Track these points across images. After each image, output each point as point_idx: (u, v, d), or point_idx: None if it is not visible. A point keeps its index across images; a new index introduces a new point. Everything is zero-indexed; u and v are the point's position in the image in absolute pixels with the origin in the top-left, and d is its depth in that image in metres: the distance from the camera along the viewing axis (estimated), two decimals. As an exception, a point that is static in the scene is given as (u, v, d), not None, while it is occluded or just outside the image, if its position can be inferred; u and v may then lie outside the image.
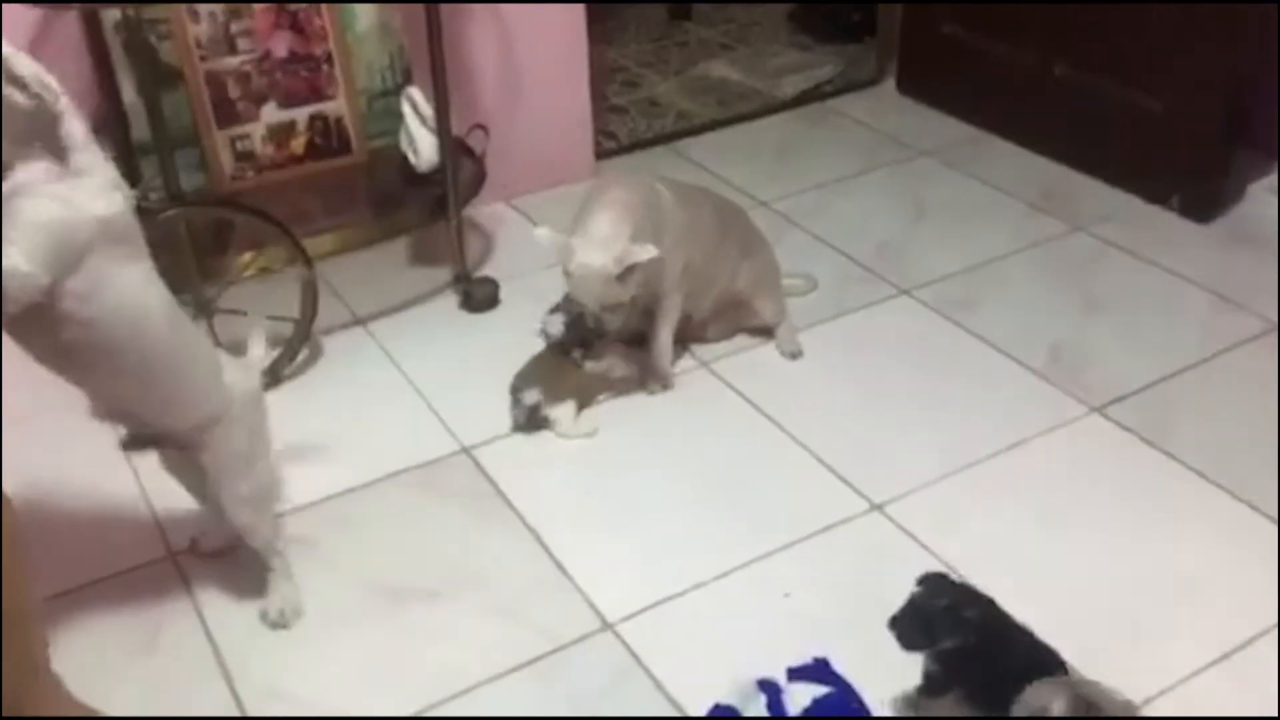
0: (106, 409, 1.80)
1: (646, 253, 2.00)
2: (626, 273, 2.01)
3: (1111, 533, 1.94)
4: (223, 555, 1.90)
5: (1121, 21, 2.82)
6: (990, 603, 1.55)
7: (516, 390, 2.15)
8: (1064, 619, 1.68)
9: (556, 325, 2.17)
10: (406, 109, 2.39)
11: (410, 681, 1.70)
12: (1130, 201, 2.88)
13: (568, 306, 2.15)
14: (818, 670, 1.68)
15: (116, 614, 1.81)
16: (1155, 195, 2.84)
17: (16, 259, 1.40)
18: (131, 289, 1.53)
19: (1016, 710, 1.41)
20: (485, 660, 1.73)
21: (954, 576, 1.62)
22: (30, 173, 1.42)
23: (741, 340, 2.43)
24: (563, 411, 2.14)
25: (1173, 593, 1.83)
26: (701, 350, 2.40)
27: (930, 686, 1.57)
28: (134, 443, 1.73)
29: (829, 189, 3.00)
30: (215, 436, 1.68)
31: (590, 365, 2.20)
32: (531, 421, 2.15)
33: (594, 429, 2.17)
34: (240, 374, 1.74)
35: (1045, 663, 1.52)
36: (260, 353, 1.85)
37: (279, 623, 1.80)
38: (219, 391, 1.68)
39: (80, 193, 1.45)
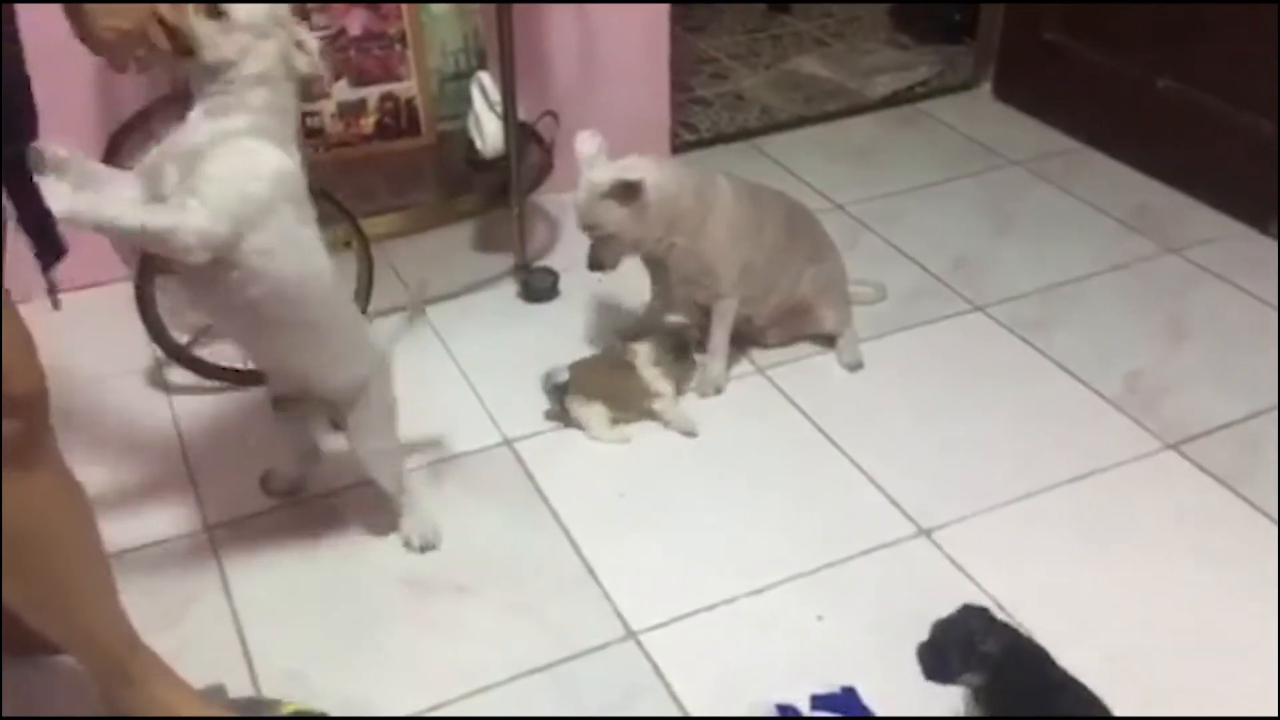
0: (268, 368, 1.84)
1: (632, 172, 2.00)
2: (616, 198, 2.00)
3: (1176, 578, 1.83)
4: (289, 496, 1.97)
5: (1232, 36, 2.67)
6: (1019, 640, 1.47)
7: (553, 373, 2.14)
8: (1117, 665, 1.59)
9: None
10: (475, 93, 2.37)
11: (426, 675, 1.67)
12: (1229, 225, 2.73)
13: None
14: (844, 700, 1.61)
15: (148, 584, 1.82)
16: (1255, 219, 2.69)
17: (199, 214, 1.44)
18: (306, 247, 1.59)
19: None
20: (504, 660, 1.69)
21: (995, 611, 1.53)
22: (231, 123, 1.47)
23: (802, 348, 2.35)
24: (592, 414, 2.10)
25: (1238, 647, 1.71)
26: (759, 356, 2.33)
27: None
28: (280, 403, 1.83)
29: (910, 195, 2.90)
30: (365, 394, 1.75)
31: (636, 353, 2.16)
32: (559, 406, 2.12)
33: (627, 437, 2.12)
34: (381, 335, 1.82)
35: (1088, 709, 1.44)
36: (400, 322, 1.89)
37: (426, 544, 1.86)
38: (371, 351, 1.76)
39: (264, 149, 1.50)
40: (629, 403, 2.13)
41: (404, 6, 2.40)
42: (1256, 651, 1.70)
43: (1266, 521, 1.92)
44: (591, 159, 2.04)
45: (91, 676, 1.50)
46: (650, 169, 2.05)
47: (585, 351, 2.25)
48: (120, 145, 2.43)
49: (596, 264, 2.09)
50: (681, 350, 2.19)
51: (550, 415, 2.14)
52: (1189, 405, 2.18)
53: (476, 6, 2.48)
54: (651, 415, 2.15)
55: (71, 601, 1.43)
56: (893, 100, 3.37)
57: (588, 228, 2.06)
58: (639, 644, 1.73)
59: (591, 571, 1.84)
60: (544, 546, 1.89)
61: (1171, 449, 2.08)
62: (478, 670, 1.68)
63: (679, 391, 2.18)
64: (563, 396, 2.10)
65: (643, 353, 2.15)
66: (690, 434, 2.13)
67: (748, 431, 2.14)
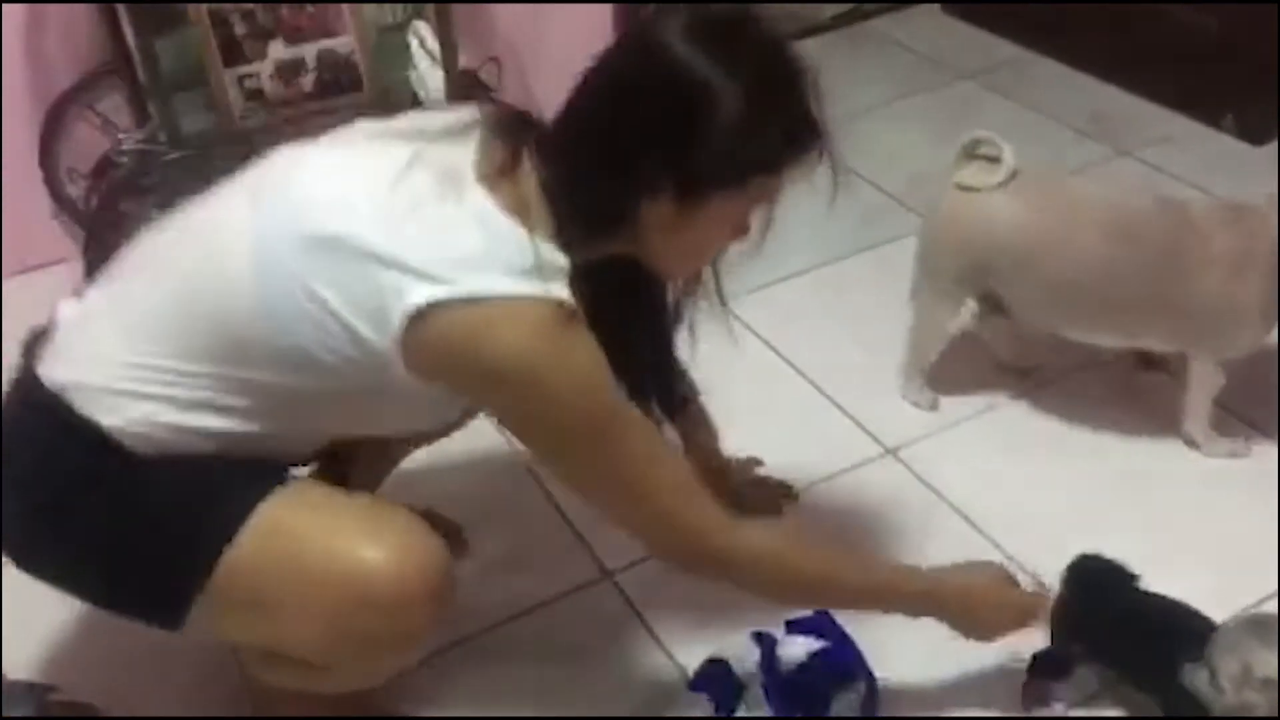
0: None
1: None
2: None
3: (1138, 474, 1.87)
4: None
5: (1174, -68, 2.65)
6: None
7: None
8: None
9: None
10: (414, 44, 2.33)
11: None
12: (1182, 123, 2.73)
13: None
14: (817, 622, 1.62)
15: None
16: (1208, 117, 2.69)
17: None
18: None
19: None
20: (488, 607, 1.71)
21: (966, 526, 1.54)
22: None
23: (761, 277, 2.34)
24: None
25: (1199, 537, 1.75)
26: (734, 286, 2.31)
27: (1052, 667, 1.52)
28: None
29: (863, 116, 2.88)
30: None
31: None
32: None
33: None
34: None
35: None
36: None
37: None
38: None
39: None
40: None
41: (334, -41, 2.35)
42: (1211, 540, 1.73)
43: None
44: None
45: None
46: None
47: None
48: (59, 119, 2.39)
49: None
50: None
51: None
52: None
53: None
54: None
55: None
56: (842, 20, 3.34)
57: None
58: (615, 584, 1.75)
59: (564, 515, 1.86)
60: (518, 495, 1.90)
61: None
62: (461, 619, 1.68)
63: None
64: None
65: None
66: None
67: (715, 365, 2.13)
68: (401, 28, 2.43)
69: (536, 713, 1.58)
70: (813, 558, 1.38)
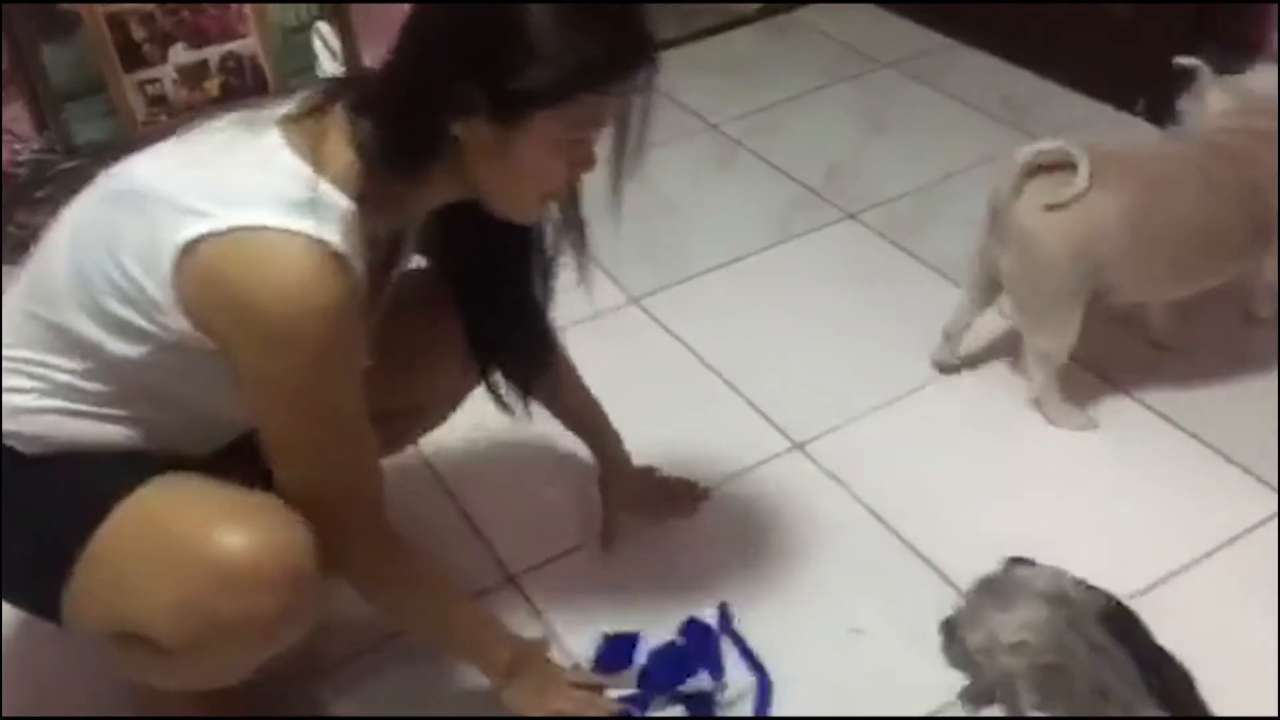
0: None
1: None
2: None
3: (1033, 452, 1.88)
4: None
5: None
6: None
7: None
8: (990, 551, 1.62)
9: None
10: (317, 44, 2.31)
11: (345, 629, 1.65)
12: (1096, 108, 2.74)
13: None
14: (690, 628, 1.63)
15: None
16: (1122, 101, 2.70)
17: None
18: None
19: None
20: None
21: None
22: None
23: (676, 273, 2.34)
24: None
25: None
26: (634, 285, 2.30)
27: None
28: None
29: (784, 107, 2.88)
30: None
31: None
32: None
33: None
34: None
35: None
36: None
37: None
38: None
39: None
40: None
41: (234, -40, 2.32)
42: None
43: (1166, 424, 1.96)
44: None
45: None
46: None
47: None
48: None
49: None
50: None
51: None
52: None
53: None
54: None
55: None
56: (768, 11, 3.33)
57: None
58: (518, 586, 1.73)
59: (469, 519, 1.84)
60: (421, 498, 1.87)
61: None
62: (366, 626, 1.64)
63: None
64: None
65: None
66: None
67: (620, 361, 2.10)
68: (306, 28, 2.40)
69: (436, 713, 1.57)
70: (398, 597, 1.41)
